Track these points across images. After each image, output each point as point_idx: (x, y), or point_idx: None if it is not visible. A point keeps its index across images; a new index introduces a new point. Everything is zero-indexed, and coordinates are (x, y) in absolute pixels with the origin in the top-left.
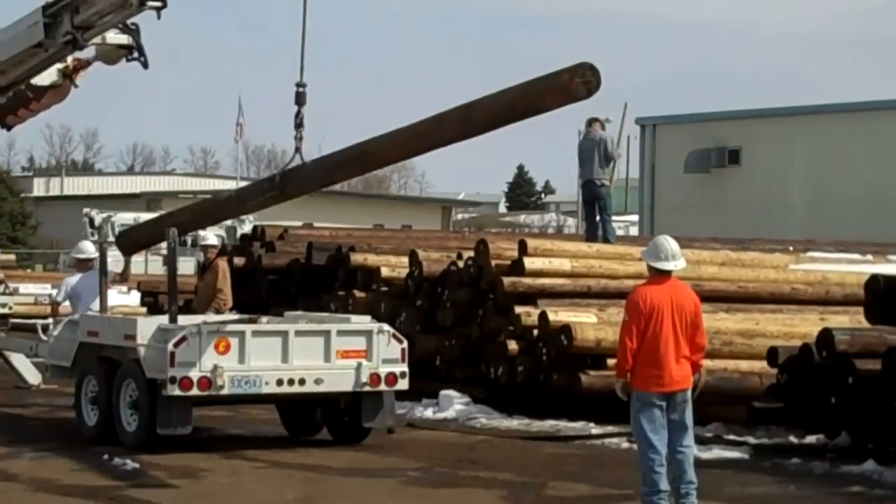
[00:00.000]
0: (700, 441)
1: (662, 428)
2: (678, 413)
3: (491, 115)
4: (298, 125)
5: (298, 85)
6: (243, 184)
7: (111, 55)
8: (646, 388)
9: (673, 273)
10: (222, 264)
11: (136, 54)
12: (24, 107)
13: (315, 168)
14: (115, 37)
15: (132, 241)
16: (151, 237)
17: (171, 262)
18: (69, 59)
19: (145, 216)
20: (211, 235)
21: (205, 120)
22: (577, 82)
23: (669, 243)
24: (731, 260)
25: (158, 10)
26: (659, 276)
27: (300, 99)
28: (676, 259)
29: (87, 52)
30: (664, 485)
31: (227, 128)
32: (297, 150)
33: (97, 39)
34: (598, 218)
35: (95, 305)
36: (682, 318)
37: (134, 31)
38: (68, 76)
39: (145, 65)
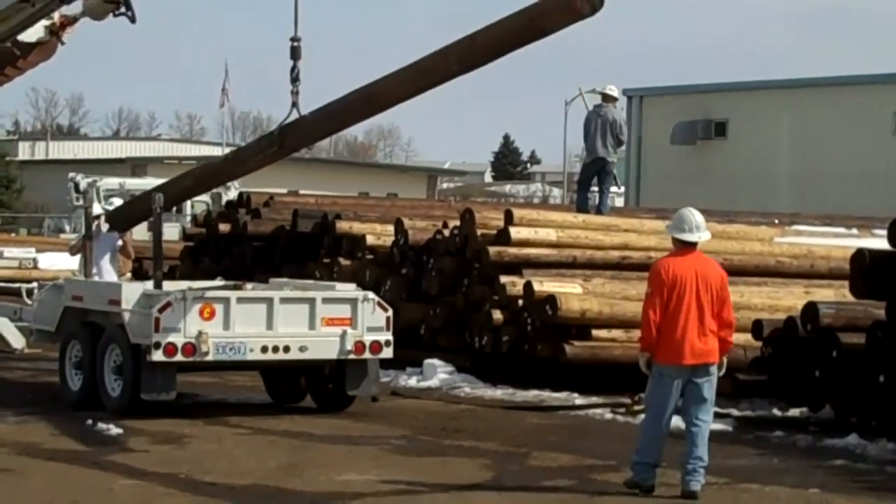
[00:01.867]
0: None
1: (674, 402)
2: (699, 386)
3: (495, 42)
4: (294, 79)
5: (293, 39)
6: (229, 150)
7: (98, 10)
8: (665, 359)
9: (698, 245)
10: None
11: (123, 9)
12: (10, 65)
13: (315, 118)
14: None
15: (125, 216)
16: (142, 213)
17: (156, 228)
18: (56, 15)
19: (131, 181)
20: (118, 201)
21: (191, 85)
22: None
23: (694, 215)
24: (717, 232)
25: None
26: (683, 247)
27: (295, 53)
28: (701, 231)
29: (75, 8)
30: (653, 457)
31: (213, 94)
32: (294, 104)
33: None
34: (594, 189)
35: (106, 268)
36: (707, 291)
37: None
38: (55, 33)
39: (132, 19)
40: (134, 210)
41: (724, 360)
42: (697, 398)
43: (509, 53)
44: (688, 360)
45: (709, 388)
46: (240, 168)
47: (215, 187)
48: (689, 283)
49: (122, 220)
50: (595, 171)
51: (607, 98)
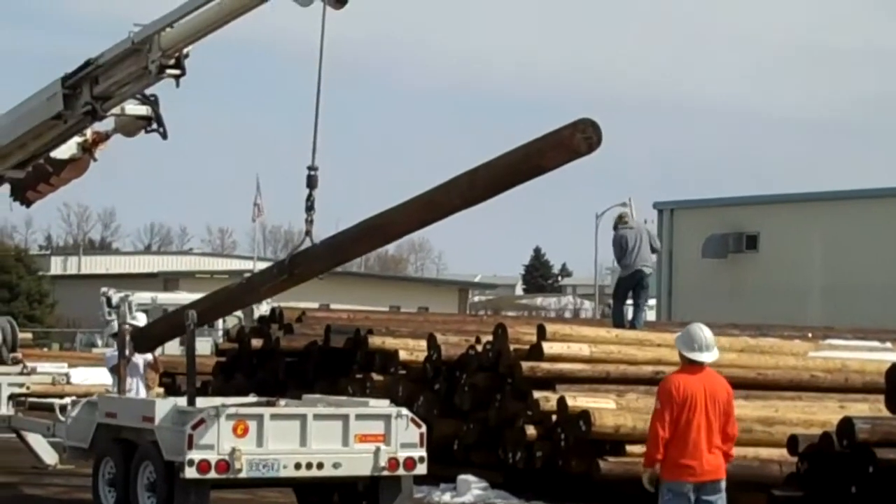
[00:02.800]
0: None
1: None
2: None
3: (495, 179)
4: (309, 208)
5: (310, 168)
6: (261, 264)
7: (130, 127)
8: (678, 477)
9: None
10: None
11: (154, 125)
12: (43, 181)
13: (324, 248)
14: (134, 108)
15: (150, 336)
16: (169, 332)
17: (189, 343)
18: (88, 132)
19: (163, 296)
20: (141, 315)
21: (222, 200)
22: (578, 138)
23: (704, 332)
24: (750, 346)
25: (177, 77)
26: (692, 364)
27: (311, 182)
28: (710, 349)
29: (107, 125)
30: None
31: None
32: (308, 232)
33: (116, 110)
34: (629, 303)
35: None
36: (715, 408)
37: (153, 102)
38: (88, 150)
39: (164, 136)
40: (158, 330)
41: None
42: None
43: (510, 189)
44: (700, 476)
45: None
46: (252, 295)
47: (229, 314)
48: (700, 401)
49: (146, 339)
50: (633, 284)
51: (623, 216)
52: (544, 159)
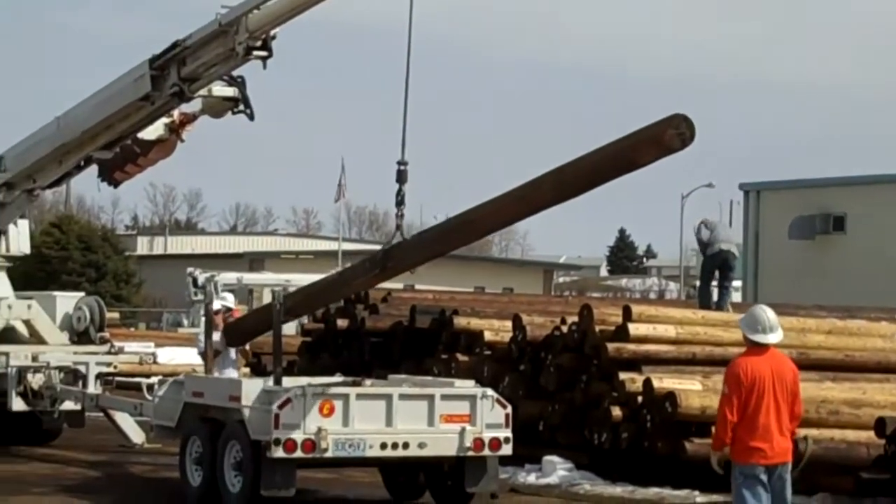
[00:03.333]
0: None
1: (768, 501)
2: (779, 486)
3: (586, 175)
4: (399, 203)
5: (399, 163)
6: (346, 245)
7: (217, 108)
8: (749, 460)
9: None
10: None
11: (241, 107)
12: (131, 162)
13: (416, 242)
14: (221, 89)
15: (240, 331)
16: (259, 326)
17: (276, 324)
18: (175, 113)
19: (248, 276)
20: (229, 296)
21: (307, 180)
22: (671, 134)
23: (767, 314)
24: (838, 328)
25: (264, 59)
26: (757, 346)
27: (401, 177)
28: (775, 331)
29: (193, 106)
30: None
31: (329, 188)
32: (399, 227)
33: (203, 92)
34: (714, 284)
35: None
36: (783, 389)
37: (240, 84)
38: (175, 130)
39: (251, 117)
40: (249, 325)
41: (805, 448)
42: (780, 498)
43: (600, 185)
44: (771, 458)
45: (788, 487)
46: (345, 289)
47: (321, 308)
48: (767, 383)
49: (238, 334)
50: (718, 264)
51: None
52: (637, 155)
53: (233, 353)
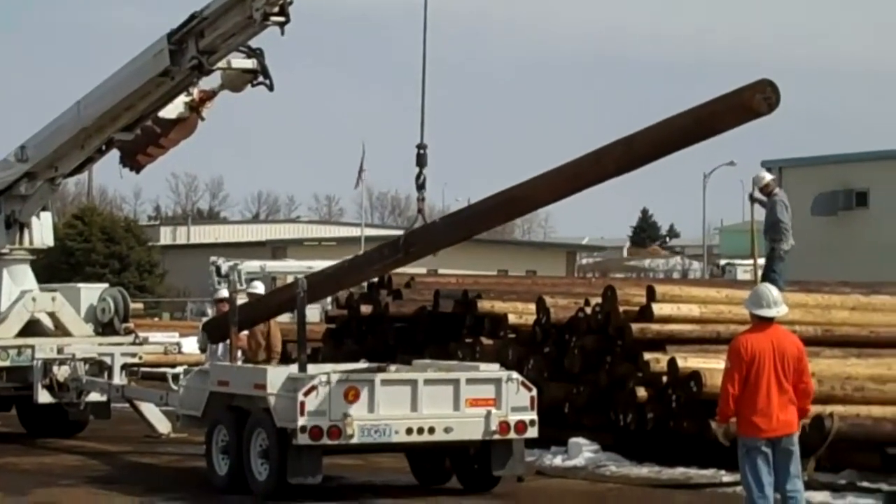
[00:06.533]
0: (833, 488)
1: (769, 473)
2: (784, 457)
3: (659, 143)
4: (420, 186)
5: (419, 146)
6: (368, 231)
7: (237, 81)
8: (750, 433)
9: (775, 319)
10: None
11: (261, 78)
12: (152, 143)
13: (447, 224)
14: (240, 62)
15: (249, 319)
16: (268, 313)
17: (300, 311)
18: (195, 91)
19: (271, 264)
20: (259, 284)
21: (329, 167)
22: (758, 98)
23: (770, 290)
24: (862, 304)
25: (282, 25)
26: (761, 322)
27: (421, 160)
28: (778, 305)
29: (213, 82)
30: None
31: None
32: (420, 211)
33: (222, 64)
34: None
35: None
36: (783, 364)
37: (258, 54)
38: (195, 109)
39: (270, 87)
40: (257, 312)
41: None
42: (785, 470)
43: (670, 154)
44: (772, 431)
45: (794, 458)
46: (358, 275)
47: (335, 293)
48: (767, 357)
49: (219, 330)
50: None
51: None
52: (719, 122)
53: (220, 348)
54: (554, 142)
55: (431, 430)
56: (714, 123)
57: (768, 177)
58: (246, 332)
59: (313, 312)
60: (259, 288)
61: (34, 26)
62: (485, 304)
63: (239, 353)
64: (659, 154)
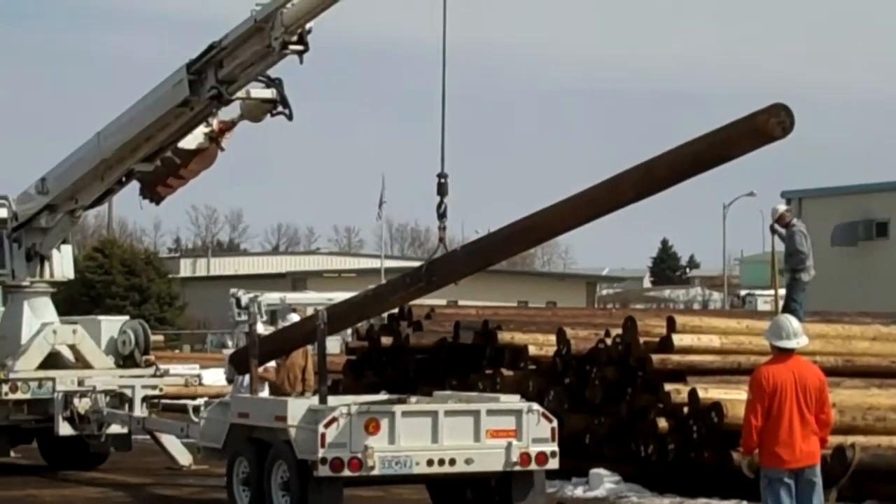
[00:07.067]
0: None
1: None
2: (807, 488)
3: (675, 168)
4: (441, 215)
5: (440, 176)
6: (388, 262)
7: (256, 111)
8: (773, 464)
9: (796, 350)
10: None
11: (280, 108)
12: (172, 174)
13: (468, 253)
14: (259, 91)
15: (270, 351)
16: (288, 345)
17: (320, 343)
18: (214, 122)
19: (291, 296)
20: (295, 316)
21: (349, 199)
22: (773, 123)
23: (790, 321)
24: (883, 335)
25: (301, 53)
26: (781, 354)
27: (442, 189)
28: (798, 336)
29: (232, 113)
30: None
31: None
32: (441, 240)
33: (241, 93)
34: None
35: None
36: (805, 395)
37: (277, 84)
38: (214, 139)
39: (290, 117)
40: (277, 345)
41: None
42: (806, 501)
43: (685, 181)
44: (794, 463)
45: (817, 490)
46: (380, 305)
47: (356, 324)
48: (789, 388)
49: (243, 361)
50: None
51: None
52: (733, 147)
53: (247, 379)
54: (574, 171)
55: (452, 462)
56: (729, 148)
57: (783, 208)
58: (274, 365)
59: (333, 344)
60: (295, 319)
61: (65, 53)
62: (505, 336)
63: (266, 386)
64: (675, 179)
